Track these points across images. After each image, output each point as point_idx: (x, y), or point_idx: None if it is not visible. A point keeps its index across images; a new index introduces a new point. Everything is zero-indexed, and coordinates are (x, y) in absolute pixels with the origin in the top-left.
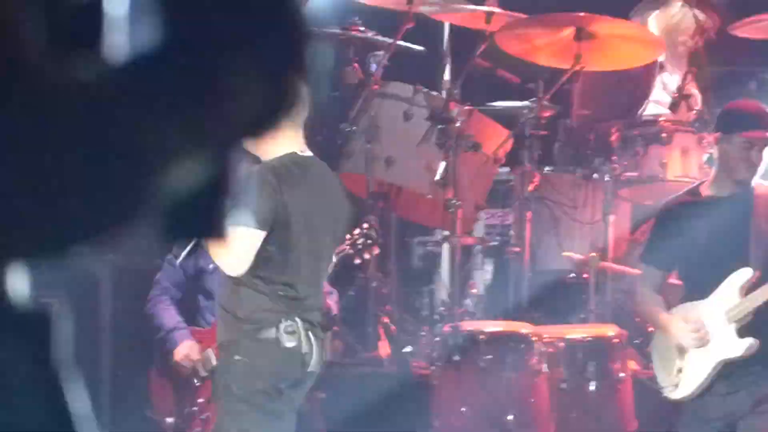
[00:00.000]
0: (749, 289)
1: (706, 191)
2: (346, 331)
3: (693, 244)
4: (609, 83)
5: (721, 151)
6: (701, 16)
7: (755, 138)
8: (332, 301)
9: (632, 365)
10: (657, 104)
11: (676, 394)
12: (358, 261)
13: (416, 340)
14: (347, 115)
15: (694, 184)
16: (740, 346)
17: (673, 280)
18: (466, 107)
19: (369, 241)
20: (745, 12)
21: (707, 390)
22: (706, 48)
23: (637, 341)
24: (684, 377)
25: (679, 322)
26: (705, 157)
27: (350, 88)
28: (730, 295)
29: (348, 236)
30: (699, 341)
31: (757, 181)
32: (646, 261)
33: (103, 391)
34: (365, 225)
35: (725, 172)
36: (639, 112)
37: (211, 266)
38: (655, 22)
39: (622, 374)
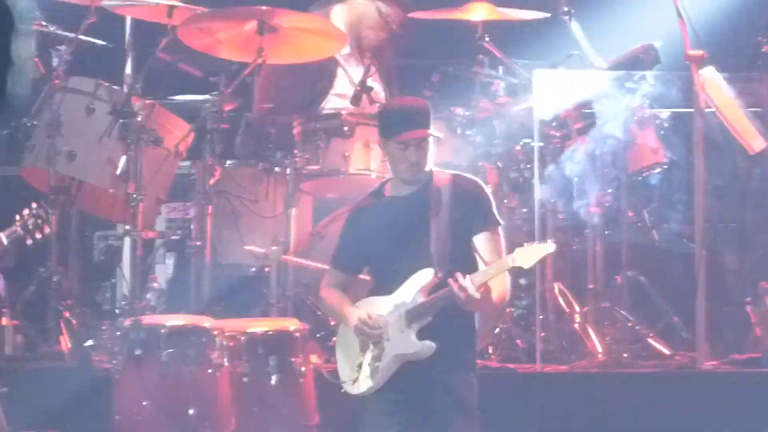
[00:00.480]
0: (431, 290)
1: (388, 191)
2: (27, 326)
3: (378, 245)
4: (291, 77)
5: (384, 154)
6: (384, 8)
7: (408, 139)
8: None
9: (314, 359)
10: (341, 98)
11: (356, 389)
12: (30, 242)
13: (98, 334)
14: (29, 109)
15: (378, 185)
16: (418, 346)
17: (362, 275)
18: (148, 101)
19: (39, 221)
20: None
21: (387, 386)
22: (390, 41)
23: (319, 335)
24: (364, 373)
25: (361, 314)
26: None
27: (32, 82)
28: (411, 295)
29: (18, 217)
30: (379, 338)
31: (436, 172)
32: (335, 266)
33: None
34: (33, 205)
35: (394, 172)
36: (321, 105)
37: None
38: (338, 15)
39: (303, 368)
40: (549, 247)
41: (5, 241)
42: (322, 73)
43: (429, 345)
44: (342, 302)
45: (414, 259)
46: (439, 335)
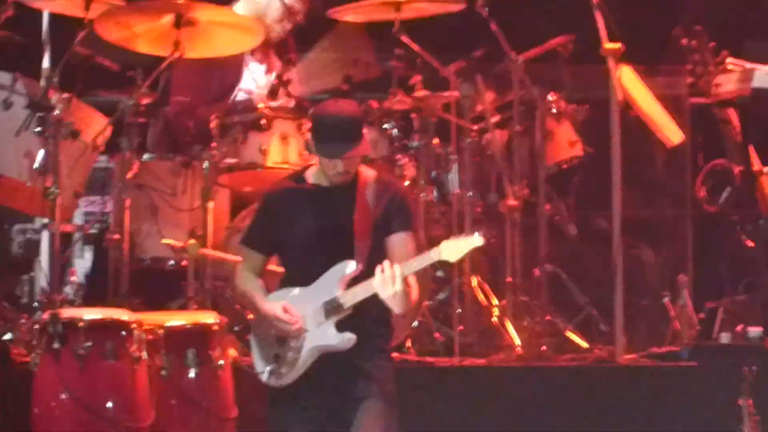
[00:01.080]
0: (350, 283)
1: (310, 178)
2: None
3: (295, 231)
4: (203, 70)
5: (313, 154)
6: (288, 0)
7: (336, 158)
8: None
9: (232, 352)
10: (245, 93)
11: (272, 380)
12: None
13: (16, 327)
14: None
15: (300, 170)
16: (338, 339)
17: (273, 267)
18: (66, 95)
19: None
20: None
21: (304, 378)
22: (296, 33)
23: (236, 328)
24: (282, 365)
25: (278, 309)
26: (305, 143)
27: None
28: (330, 286)
29: None
30: (296, 330)
31: (362, 168)
32: (246, 243)
33: None
34: None
35: (322, 169)
36: (231, 99)
37: None
38: (242, 8)
39: (221, 361)
40: (476, 240)
41: None
42: (230, 68)
43: (349, 337)
44: (257, 293)
45: (334, 251)
46: (357, 325)
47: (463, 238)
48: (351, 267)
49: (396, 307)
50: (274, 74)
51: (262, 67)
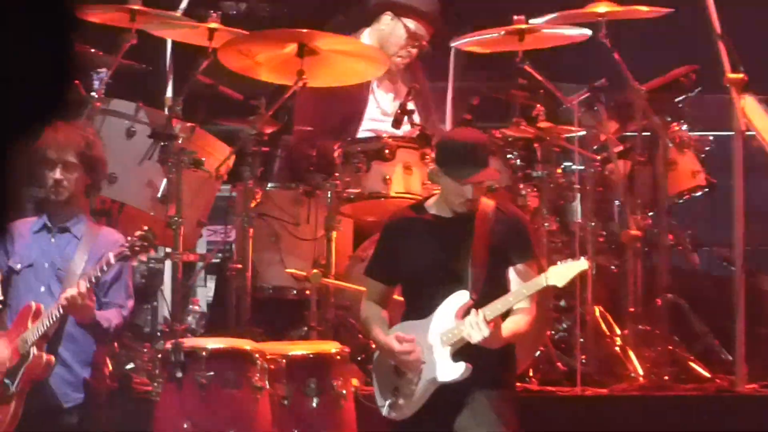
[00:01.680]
0: (465, 312)
1: (431, 209)
2: None
3: (415, 262)
4: (327, 99)
5: (438, 182)
6: (411, 24)
7: (468, 182)
8: None
9: (355, 382)
10: (372, 121)
11: (393, 413)
12: (134, 263)
13: (138, 356)
14: None
15: (422, 200)
16: (454, 370)
17: (398, 297)
18: (189, 124)
19: (146, 244)
20: (463, 25)
21: (423, 411)
22: (422, 59)
23: (359, 358)
24: (400, 397)
25: (396, 341)
26: (428, 173)
27: (73, 105)
28: (447, 317)
29: (128, 238)
30: (414, 362)
31: (482, 198)
32: (369, 274)
33: None
34: (145, 227)
35: (445, 200)
36: (356, 128)
37: (18, 266)
38: (368, 38)
39: (343, 391)
40: (582, 264)
41: (113, 261)
42: (356, 97)
43: (465, 367)
44: (377, 325)
45: (450, 282)
46: (476, 356)
47: (570, 262)
48: (464, 297)
49: (492, 346)
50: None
51: (390, 95)
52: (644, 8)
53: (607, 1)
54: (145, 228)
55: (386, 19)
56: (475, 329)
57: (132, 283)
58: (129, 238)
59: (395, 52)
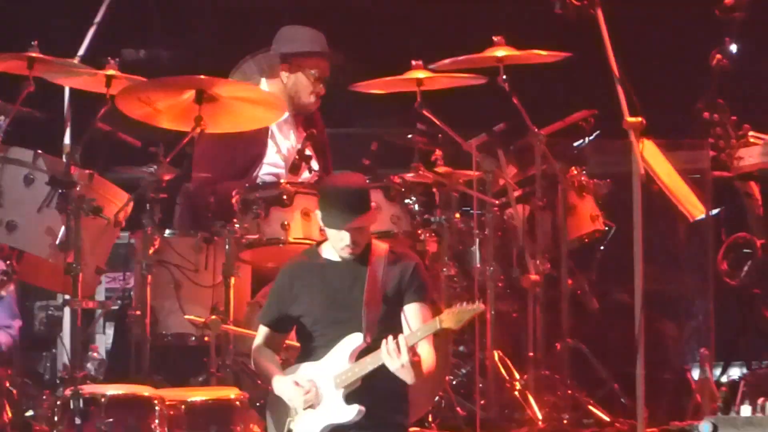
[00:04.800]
0: (359, 354)
1: (324, 253)
2: None
3: (308, 306)
4: (227, 145)
5: (324, 227)
6: (312, 70)
7: (342, 229)
8: None
9: (254, 428)
10: (271, 165)
11: None
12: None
13: (38, 404)
14: None
15: (315, 245)
16: (348, 412)
17: (291, 342)
18: (87, 171)
19: (4, 278)
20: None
21: None
22: (322, 107)
23: (258, 404)
24: None
25: (290, 383)
26: None
27: None
28: (341, 360)
29: None
30: (307, 404)
31: (374, 242)
32: (262, 320)
33: None
34: (7, 262)
35: (331, 245)
36: (255, 173)
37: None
38: (266, 86)
39: None
40: (477, 307)
41: None
42: (255, 142)
43: (359, 409)
44: (270, 367)
45: (343, 325)
46: (369, 399)
47: (465, 305)
48: (358, 339)
49: (407, 378)
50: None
51: (289, 140)
52: (542, 52)
53: (505, 46)
54: (8, 262)
55: (283, 75)
56: (395, 355)
57: (17, 307)
58: None
59: (310, 99)
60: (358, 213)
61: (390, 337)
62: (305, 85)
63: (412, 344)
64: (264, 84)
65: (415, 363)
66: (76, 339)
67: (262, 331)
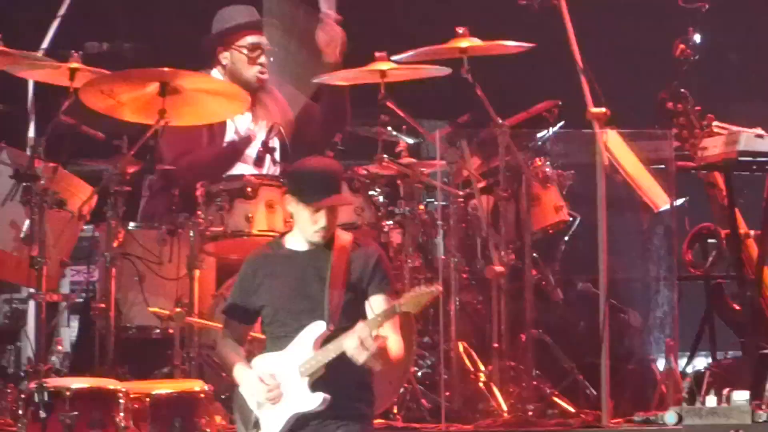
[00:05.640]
0: (322, 343)
1: (288, 244)
2: None
3: (272, 296)
4: (189, 136)
5: (291, 213)
6: (245, 43)
7: (321, 206)
8: None
9: (219, 420)
10: (230, 144)
11: None
12: None
13: (2, 397)
14: None
15: (278, 236)
16: (313, 400)
17: (255, 334)
18: (51, 164)
19: None
20: None
21: None
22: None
23: (223, 396)
24: (261, 429)
25: (255, 374)
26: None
27: None
28: (305, 348)
29: None
30: (272, 394)
31: (338, 232)
32: (228, 314)
33: None
34: None
35: (300, 231)
36: (222, 160)
37: None
38: (219, 76)
39: (208, 429)
40: (435, 289)
41: None
42: (215, 127)
43: (323, 397)
44: (235, 360)
45: (307, 314)
46: (333, 389)
47: (423, 288)
48: (321, 327)
49: (372, 365)
50: (258, 124)
51: (247, 117)
52: (507, 43)
53: (469, 37)
54: None
55: (222, 57)
56: (360, 347)
57: None
58: None
59: (251, 73)
60: (334, 192)
61: (359, 326)
62: (241, 59)
63: (373, 330)
64: (215, 73)
65: (380, 349)
66: (41, 332)
67: (227, 323)
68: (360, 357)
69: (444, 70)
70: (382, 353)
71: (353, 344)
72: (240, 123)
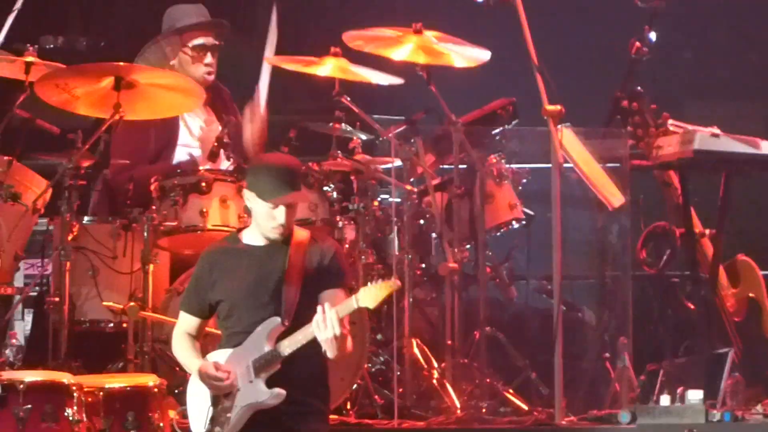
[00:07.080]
0: (278, 338)
1: (245, 239)
2: None
3: (228, 290)
4: (142, 131)
5: (251, 207)
6: (191, 44)
7: (281, 202)
8: None
9: (172, 414)
10: (184, 147)
11: None
12: None
13: None
14: None
15: (235, 231)
16: (267, 394)
17: (211, 329)
18: (5, 158)
19: None
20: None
21: None
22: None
23: (177, 390)
24: (216, 425)
25: (210, 368)
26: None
27: None
28: (260, 343)
29: None
30: (227, 389)
31: (296, 228)
32: (183, 308)
33: None
34: None
35: (258, 227)
36: (170, 155)
37: None
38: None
39: (161, 423)
40: (393, 283)
41: None
42: (167, 125)
43: (278, 392)
44: (190, 354)
45: (263, 309)
46: (289, 383)
47: (381, 282)
48: (276, 322)
49: (332, 351)
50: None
51: (198, 120)
52: (459, 55)
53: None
54: None
55: (169, 55)
56: (327, 326)
57: None
58: None
59: (198, 73)
60: (294, 189)
61: (324, 308)
62: (186, 59)
63: (342, 316)
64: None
65: (344, 336)
66: None
67: (182, 318)
68: (324, 341)
69: (397, 79)
70: (343, 341)
71: (318, 318)
72: (192, 124)
